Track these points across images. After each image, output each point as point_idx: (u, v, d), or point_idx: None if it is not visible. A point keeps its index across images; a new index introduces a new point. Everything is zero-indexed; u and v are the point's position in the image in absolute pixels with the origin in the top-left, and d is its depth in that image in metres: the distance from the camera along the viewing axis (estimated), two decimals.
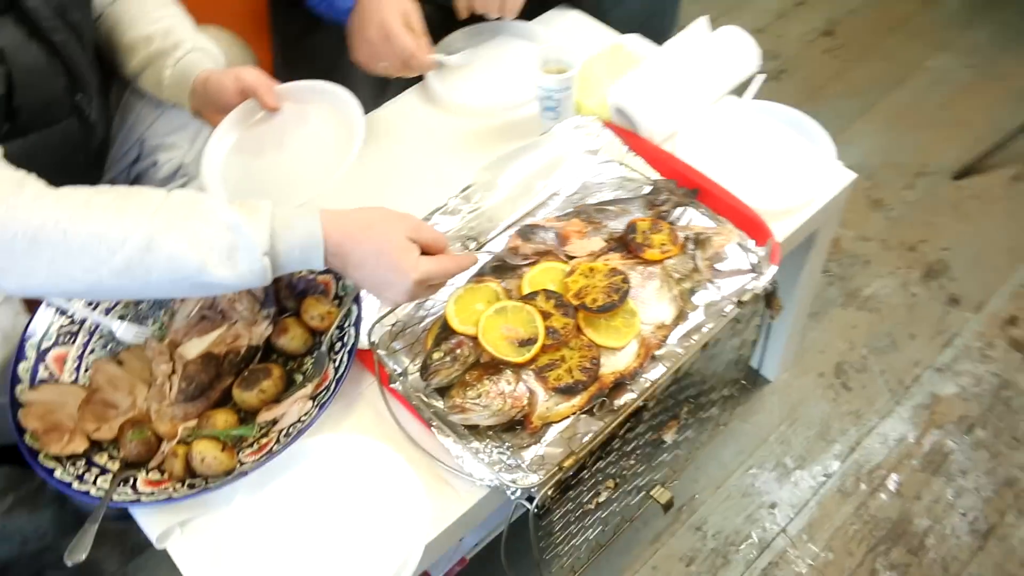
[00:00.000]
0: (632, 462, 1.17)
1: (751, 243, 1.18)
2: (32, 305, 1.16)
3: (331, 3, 1.42)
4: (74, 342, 1.13)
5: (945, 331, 1.78)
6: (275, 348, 1.10)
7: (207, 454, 0.97)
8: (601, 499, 1.14)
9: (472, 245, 1.20)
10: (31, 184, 0.87)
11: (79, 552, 0.91)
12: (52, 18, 1.13)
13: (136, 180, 1.44)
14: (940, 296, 1.84)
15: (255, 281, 0.91)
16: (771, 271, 1.14)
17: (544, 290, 1.08)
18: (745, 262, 1.17)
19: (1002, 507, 1.54)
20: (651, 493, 1.25)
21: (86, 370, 1.11)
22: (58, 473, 0.99)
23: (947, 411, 1.66)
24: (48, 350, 1.11)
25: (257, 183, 1.22)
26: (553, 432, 1.01)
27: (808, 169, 1.30)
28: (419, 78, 1.49)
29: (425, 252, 0.97)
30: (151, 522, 0.98)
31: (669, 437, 1.20)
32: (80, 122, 1.23)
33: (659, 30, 1.66)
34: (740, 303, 1.11)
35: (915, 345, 1.76)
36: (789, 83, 2.34)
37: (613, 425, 1.01)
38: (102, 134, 1.32)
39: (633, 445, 1.13)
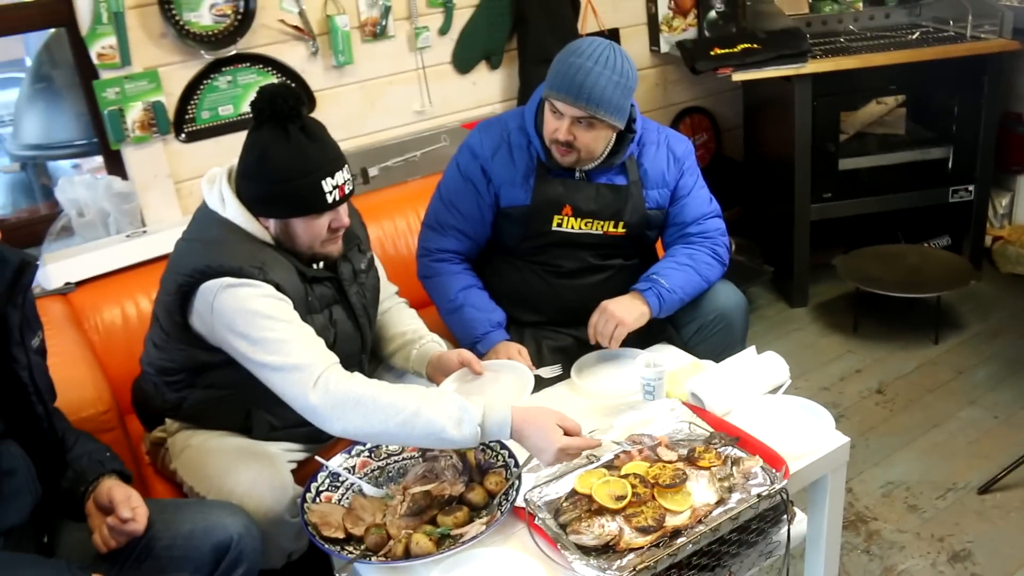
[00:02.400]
0: None
1: (772, 470, 1.80)
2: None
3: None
4: (337, 490, 1.84)
5: None
6: (464, 500, 1.76)
7: (420, 541, 1.61)
8: None
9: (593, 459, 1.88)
10: (358, 374, 1.69)
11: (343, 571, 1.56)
12: (361, 309, 2.02)
13: None
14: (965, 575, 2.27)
15: (470, 441, 1.66)
16: (783, 483, 1.75)
17: (633, 472, 1.73)
18: (767, 480, 1.78)
19: None
20: None
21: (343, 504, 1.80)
22: (327, 546, 1.66)
23: None
24: (321, 492, 1.82)
25: None
26: (632, 554, 1.60)
27: (814, 432, 1.94)
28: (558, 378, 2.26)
29: (567, 433, 1.69)
30: None
31: None
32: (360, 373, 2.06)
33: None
34: (759, 496, 1.72)
35: None
36: (845, 424, 2.96)
37: (671, 550, 1.59)
38: None
39: None
